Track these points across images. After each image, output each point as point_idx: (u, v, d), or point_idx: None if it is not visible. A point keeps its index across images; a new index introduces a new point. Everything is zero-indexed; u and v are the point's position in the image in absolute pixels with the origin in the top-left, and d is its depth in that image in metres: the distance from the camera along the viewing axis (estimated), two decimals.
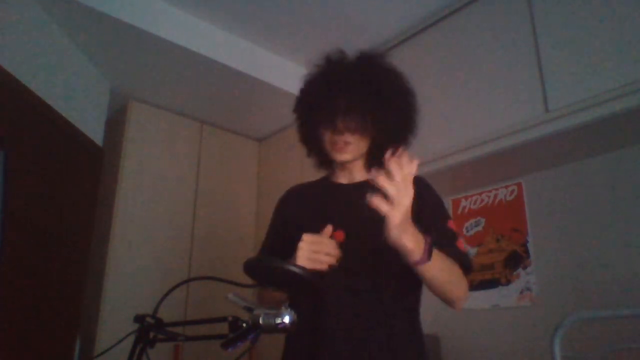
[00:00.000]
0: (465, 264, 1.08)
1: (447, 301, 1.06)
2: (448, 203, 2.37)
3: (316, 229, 1.11)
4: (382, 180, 0.84)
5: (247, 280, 0.85)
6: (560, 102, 1.70)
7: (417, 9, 2.24)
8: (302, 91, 1.21)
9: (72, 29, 2.17)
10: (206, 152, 2.97)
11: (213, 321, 0.78)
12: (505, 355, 1.99)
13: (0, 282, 1.58)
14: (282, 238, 1.23)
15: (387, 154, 0.87)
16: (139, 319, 0.82)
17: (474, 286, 2.16)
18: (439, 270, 0.98)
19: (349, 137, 1.11)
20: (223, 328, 0.78)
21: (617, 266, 1.78)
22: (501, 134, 1.84)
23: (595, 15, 1.67)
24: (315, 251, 0.99)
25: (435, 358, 2.12)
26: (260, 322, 0.76)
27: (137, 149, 2.65)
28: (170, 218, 2.70)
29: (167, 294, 0.85)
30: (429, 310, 1.22)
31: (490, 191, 2.25)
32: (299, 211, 1.24)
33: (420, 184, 1.06)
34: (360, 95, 1.10)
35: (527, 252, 2.05)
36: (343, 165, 1.19)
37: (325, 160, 1.22)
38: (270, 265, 0.85)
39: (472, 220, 2.28)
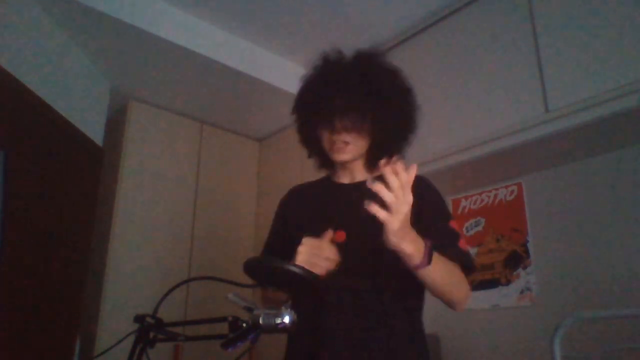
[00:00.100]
0: (467, 264, 1.08)
1: (448, 303, 1.06)
2: (448, 203, 2.37)
3: (317, 230, 1.11)
4: (379, 188, 0.84)
5: (247, 280, 0.85)
6: (560, 102, 1.70)
7: (417, 9, 2.24)
8: (300, 92, 1.21)
9: (72, 29, 2.17)
10: (206, 152, 2.97)
11: (213, 321, 0.78)
12: (505, 355, 1.99)
13: (0, 282, 1.58)
14: (283, 239, 1.23)
15: (382, 162, 0.87)
16: (139, 319, 0.82)
17: (474, 286, 2.16)
18: (439, 273, 0.97)
19: (347, 137, 1.11)
20: (223, 328, 0.78)
21: (617, 266, 1.78)
22: (501, 134, 1.84)
23: (595, 15, 1.67)
24: (315, 255, 0.99)
25: (435, 358, 2.12)
26: (260, 322, 0.76)
27: (137, 149, 2.65)
28: (170, 218, 2.70)
29: (167, 294, 0.85)
30: (429, 310, 1.22)
31: (490, 191, 2.25)
32: (300, 212, 1.24)
33: (421, 184, 1.06)
34: (357, 94, 1.10)
35: (527, 252, 2.05)
36: (344, 165, 1.19)
37: (327, 161, 1.22)
38: (270, 265, 0.85)
39: (472, 220, 2.28)
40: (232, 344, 0.76)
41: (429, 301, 1.14)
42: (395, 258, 0.98)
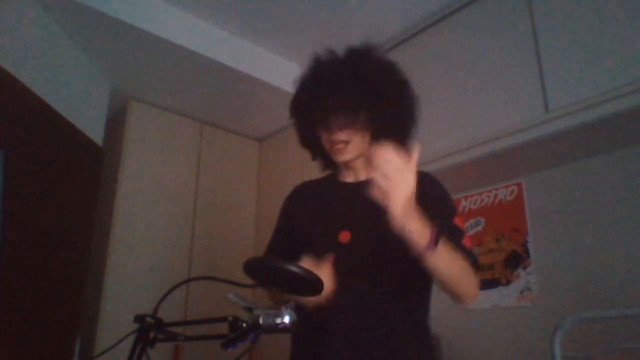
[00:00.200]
0: (471, 262, 1.06)
1: (456, 296, 1.03)
2: None
3: (321, 230, 1.11)
4: (374, 174, 0.86)
5: (247, 280, 0.85)
6: (560, 102, 1.70)
7: (417, 9, 2.24)
8: (295, 95, 1.20)
9: (72, 29, 2.17)
10: (206, 152, 2.97)
11: (213, 321, 0.78)
12: (505, 355, 1.99)
13: (0, 282, 1.58)
14: (288, 238, 1.23)
15: (373, 150, 0.89)
16: (139, 319, 0.82)
17: None
18: (446, 261, 0.96)
19: (344, 136, 1.10)
20: (223, 328, 0.78)
21: (617, 266, 1.78)
22: (501, 134, 1.84)
23: (595, 15, 1.67)
24: None
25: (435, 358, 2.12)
26: (260, 322, 0.76)
27: (137, 149, 2.65)
28: (170, 218, 2.70)
29: (167, 294, 0.85)
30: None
31: (490, 191, 2.25)
32: (304, 211, 1.23)
33: (425, 180, 1.05)
34: (350, 91, 1.09)
35: (527, 252, 2.05)
36: (347, 164, 1.18)
37: (330, 162, 1.21)
38: (270, 265, 0.85)
39: (472, 220, 2.28)
40: (232, 344, 0.77)
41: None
42: (399, 257, 0.98)
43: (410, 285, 1.09)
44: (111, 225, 2.46)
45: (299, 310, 1.04)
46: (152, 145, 2.72)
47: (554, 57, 1.75)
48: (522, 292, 2.03)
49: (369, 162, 1.16)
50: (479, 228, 2.25)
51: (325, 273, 0.99)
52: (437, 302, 1.15)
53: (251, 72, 2.53)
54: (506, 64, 1.90)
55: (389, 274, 1.07)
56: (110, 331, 2.30)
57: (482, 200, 2.27)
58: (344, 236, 1.09)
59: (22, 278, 1.78)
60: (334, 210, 1.17)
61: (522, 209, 2.11)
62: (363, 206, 1.12)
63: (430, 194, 1.07)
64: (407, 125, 1.15)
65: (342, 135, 1.10)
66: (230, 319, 0.77)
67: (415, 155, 0.89)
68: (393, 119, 1.12)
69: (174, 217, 2.72)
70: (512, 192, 2.17)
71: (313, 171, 1.32)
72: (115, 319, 2.33)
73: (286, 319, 0.76)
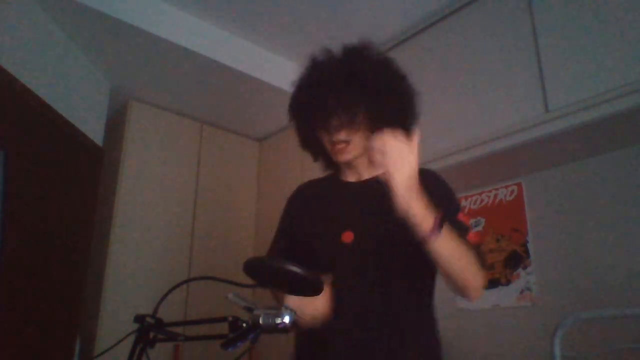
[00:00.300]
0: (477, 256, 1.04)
1: (461, 287, 1.01)
2: None
3: (324, 231, 1.11)
4: (381, 144, 0.89)
5: (247, 280, 0.85)
6: (560, 102, 1.70)
7: (417, 9, 2.24)
8: (292, 97, 1.20)
9: (72, 29, 2.17)
10: (206, 152, 2.97)
11: (213, 321, 0.78)
12: (505, 355, 1.99)
13: (0, 282, 1.58)
14: (291, 238, 1.23)
15: (372, 139, 0.92)
16: (139, 319, 0.82)
17: None
18: (450, 248, 0.94)
19: (344, 135, 1.10)
20: (223, 328, 0.78)
21: (617, 266, 1.78)
22: (501, 134, 1.84)
23: (595, 15, 1.67)
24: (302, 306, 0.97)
25: None
26: (260, 322, 0.76)
27: (137, 149, 2.65)
28: (170, 218, 2.70)
29: (167, 294, 0.85)
30: None
31: (490, 191, 2.25)
32: (307, 212, 1.23)
33: (428, 176, 1.04)
34: (349, 91, 1.08)
35: (527, 252, 2.05)
36: (349, 164, 1.17)
37: (332, 162, 1.21)
38: (270, 265, 0.85)
39: (472, 220, 2.28)
40: (232, 344, 0.76)
41: None
42: (402, 257, 0.97)
43: (414, 285, 1.09)
44: (111, 225, 2.46)
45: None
46: (152, 145, 2.72)
47: (554, 57, 1.75)
48: (522, 292, 2.03)
49: (370, 160, 1.17)
50: (479, 228, 2.25)
51: (324, 295, 0.98)
52: (438, 301, 1.15)
53: (251, 72, 2.53)
54: (506, 64, 1.90)
55: (392, 274, 1.07)
56: (110, 331, 2.30)
57: (482, 200, 2.27)
58: (347, 237, 1.08)
59: (22, 278, 1.78)
60: (336, 211, 1.16)
61: (522, 209, 2.11)
62: (366, 206, 1.12)
63: (434, 191, 1.05)
64: (408, 120, 1.14)
65: (342, 135, 1.10)
66: (230, 319, 0.77)
67: (416, 138, 0.91)
68: (393, 116, 1.11)
69: (174, 217, 2.72)
70: (512, 192, 2.17)
71: (313, 171, 1.32)
72: (115, 319, 2.33)
73: (286, 319, 0.76)
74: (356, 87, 1.08)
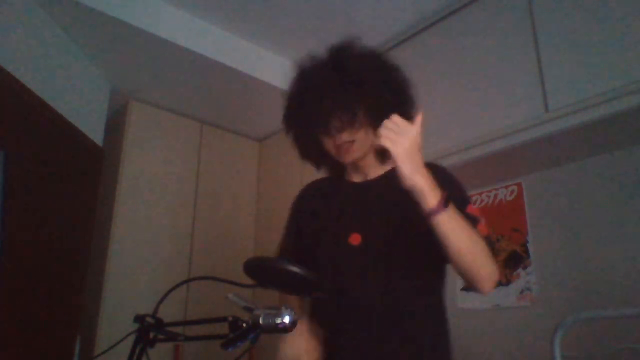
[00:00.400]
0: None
1: (473, 279, 0.98)
2: None
3: (331, 233, 1.11)
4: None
5: (247, 280, 0.85)
6: (560, 102, 1.70)
7: (417, 9, 2.23)
8: (287, 109, 1.18)
9: (72, 29, 2.17)
10: (206, 152, 2.96)
11: (213, 321, 0.78)
12: (505, 355, 1.99)
13: (0, 282, 1.58)
14: (298, 240, 1.22)
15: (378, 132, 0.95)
16: (139, 319, 0.82)
17: None
18: (458, 230, 0.93)
19: (347, 136, 1.09)
20: (223, 328, 0.78)
21: (617, 266, 1.78)
22: (501, 134, 1.84)
23: (595, 15, 1.67)
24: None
25: None
26: (260, 322, 0.76)
27: (137, 149, 2.65)
28: (170, 218, 2.70)
29: (167, 294, 0.85)
30: None
31: (490, 191, 2.25)
32: (313, 213, 1.22)
33: (436, 170, 1.04)
34: (341, 91, 1.07)
35: (527, 252, 2.05)
36: (354, 164, 1.16)
37: (336, 166, 1.20)
38: (270, 265, 0.85)
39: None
40: (232, 344, 0.76)
41: None
42: (411, 259, 0.97)
43: (422, 286, 1.08)
44: (111, 225, 2.46)
45: (316, 311, 1.05)
46: (152, 145, 2.72)
47: (554, 57, 1.75)
48: (522, 292, 2.03)
49: (377, 158, 1.16)
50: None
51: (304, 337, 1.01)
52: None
53: (251, 72, 2.53)
54: (506, 64, 1.90)
55: (400, 276, 1.06)
56: (110, 331, 2.30)
57: (482, 200, 2.27)
58: (355, 238, 1.08)
59: (22, 278, 1.78)
60: (343, 212, 1.15)
61: (522, 209, 2.11)
62: (372, 207, 1.12)
63: (442, 183, 1.04)
64: (406, 109, 1.12)
65: (345, 136, 1.08)
66: (230, 319, 0.77)
67: (419, 119, 0.94)
68: (391, 106, 1.09)
69: (174, 217, 2.72)
70: (512, 192, 2.17)
71: (313, 171, 1.32)
72: (115, 319, 2.32)
73: (286, 319, 0.76)
74: (350, 85, 1.07)
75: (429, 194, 0.90)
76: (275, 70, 2.61)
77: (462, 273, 0.99)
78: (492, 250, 1.04)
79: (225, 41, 2.47)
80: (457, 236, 0.93)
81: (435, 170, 1.00)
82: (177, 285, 0.87)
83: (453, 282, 2.00)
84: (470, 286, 1.01)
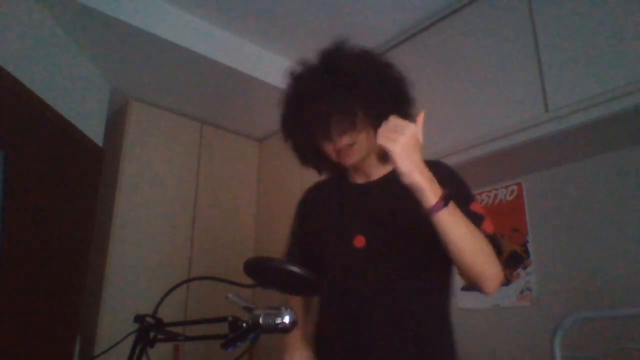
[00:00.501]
0: (493, 245, 1.02)
1: (477, 280, 0.97)
2: None
3: (336, 235, 1.12)
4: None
5: (247, 280, 0.85)
6: (560, 102, 1.70)
7: (417, 9, 2.24)
8: (284, 117, 1.17)
9: (72, 29, 2.17)
10: (206, 152, 2.97)
11: (213, 321, 0.78)
12: (505, 355, 1.98)
13: (0, 282, 1.58)
14: (304, 243, 1.23)
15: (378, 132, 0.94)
16: (139, 319, 0.82)
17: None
18: (460, 228, 0.92)
19: (348, 139, 1.08)
20: (223, 328, 0.78)
21: (617, 266, 1.78)
22: (501, 134, 1.84)
23: (595, 15, 1.67)
24: None
25: None
26: (260, 322, 0.76)
27: (137, 149, 2.65)
28: (170, 218, 2.70)
29: (167, 294, 0.85)
30: None
31: (490, 191, 2.25)
32: (317, 215, 1.22)
33: (438, 168, 1.03)
34: (337, 93, 1.05)
35: (527, 252, 2.05)
36: (356, 166, 1.16)
37: (339, 168, 1.19)
38: (270, 265, 0.85)
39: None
40: (232, 344, 0.76)
41: None
42: (415, 260, 0.96)
43: (427, 289, 1.07)
44: (111, 225, 2.46)
45: (325, 312, 1.04)
46: (152, 145, 2.72)
47: (554, 57, 1.75)
48: (522, 292, 2.03)
49: (379, 159, 1.14)
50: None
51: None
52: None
53: (251, 72, 2.53)
54: (506, 64, 1.90)
55: (404, 278, 1.06)
56: (110, 331, 2.30)
57: (482, 200, 2.27)
58: (359, 241, 1.08)
59: (22, 278, 1.78)
60: (347, 214, 1.15)
61: (522, 209, 2.11)
62: (376, 208, 1.12)
63: (445, 181, 1.03)
64: (404, 106, 1.11)
65: (345, 140, 1.07)
66: (230, 319, 0.77)
67: (421, 118, 0.94)
68: (387, 105, 1.08)
69: (174, 217, 2.72)
70: (512, 192, 2.17)
71: (313, 172, 1.32)
72: (115, 319, 2.33)
73: (286, 319, 0.76)
74: (344, 88, 1.06)
75: (429, 192, 0.89)
76: (275, 70, 2.61)
77: (465, 272, 0.98)
78: (500, 248, 1.03)
79: (225, 41, 2.47)
80: (458, 234, 0.92)
81: (438, 168, 0.99)
82: (177, 285, 0.87)
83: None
84: (473, 286, 1.00)
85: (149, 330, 0.81)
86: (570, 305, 1.83)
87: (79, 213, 2.22)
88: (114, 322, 2.32)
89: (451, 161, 1.97)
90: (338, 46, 1.12)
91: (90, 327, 2.32)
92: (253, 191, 3.14)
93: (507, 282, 2.08)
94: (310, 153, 1.17)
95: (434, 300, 1.08)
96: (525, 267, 2.04)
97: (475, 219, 1.01)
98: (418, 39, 2.29)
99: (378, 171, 1.16)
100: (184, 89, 2.67)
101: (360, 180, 1.19)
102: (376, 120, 1.06)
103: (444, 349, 1.08)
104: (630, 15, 1.59)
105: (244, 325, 0.76)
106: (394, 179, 0.95)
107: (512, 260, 2.09)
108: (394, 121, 0.93)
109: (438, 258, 0.98)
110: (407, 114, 1.11)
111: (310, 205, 1.27)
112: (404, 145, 0.89)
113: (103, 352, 0.90)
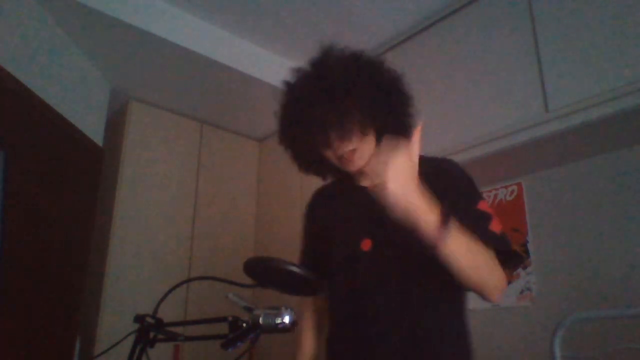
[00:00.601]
0: (500, 247, 1.01)
1: (480, 292, 0.98)
2: None
3: (343, 239, 1.12)
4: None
5: (247, 280, 0.85)
6: (560, 102, 1.70)
7: (417, 9, 2.24)
8: (282, 126, 1.16)
9: (72, 29, 2.17)
10: (206, 152, 2.97)
11: (213, 321, 0.78)
12: (505, 355, 1.99)
13: (0, 282, 1.58)
14: (315, 247, 1.24)
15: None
16: (139, 319, 0.82)
17: None
18: (465, 251, 0.91)
19: (350, 145, 1.06)
20: (223, 328, 0.78)
21: (617, 266, 1.78)
22: (501, 134, 1.84)
23: (595, 15, 1.67)
24: None
25: None
26: (260, 322, 0.76)
27: (137, 149, 2.65)
28: (170, 218, 2.70)
29: (167, 294, 0.85)
30: None
31: (490, 191, 2.25)
32: (325, 219, 1.22)
33: (446, 167, 1.00)
34: (335, 99, 1.04)
35: (527, 252, 2.05)
36: (360, 171, 1.14)
37: (342, 173, 1.18)
38: (270, 265, 0.85)
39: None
40: (232, 344, 0.77)
41: None
42: (423, 263, 0.96)
43: (436, 292, 1.06)
44: (111, 225, 2.46)
45: (334, 315, 1.05)
46: (152, 145, 2.72)
47: (554, 57, 1.75)
48: (522, 292, 2.03)
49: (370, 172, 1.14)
50: None
51: None
52: None
53: (251, 72, 2.53)
54: (506, 64, 1.90)
55: (412, 281, 1.05)
56: (110, 331, 2.30)
57: None
58: (366, 244, 1.08)
59: (22, 278, 1.78)
60: (354, 218, 1.14)
61: (522, 209, 2.11)
62: (381, 211, 1.11)
63: (446, 181, 1.00)
64: (401, 106, 1.10)
65: (347, 146, 1.06)
66: (230, 319, 0.77)
67: (418, 132, 0.90)
68: (383, 105, 1.07)
69: (174, 217, 2.72)
70: (512, 192, 2.17)
71: None
72: (115, 319, 2.33)
73: (286, 319, 0.76)
74: (339, 93, 1.04)
75: (427, 227, 0.87)
76: (275, 70, 2.61)
77: (467, 286, 0.98)
78: (508, 246, 1.03)
79: (225, 41, 2.47)
80: (464, 260, 0.91)
81: (445, 168, 0.98)
82: (177, 285, 0.87)
83: None
84: (477, 295, 1.01)
85: (149, 330, 0.81)
86: (570, 305, 1.83)
87: (79, 213, 2.22)
88: (114, 322, 2.32)
89: None
90: (327, 52, 1.10)
91: (90, 327, 2.32)
92: (253, 191, 3.14)
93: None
94: (312, 161, 1.17)
95: (442, 302, 1.08)
96: (525, 267, 2.04)
97: (483, 219, 1.01)
98: (418, 39, 2.29)
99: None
100: (184, 89, 2.67)
101: (365, 182, 1.18)
102: (374, 122, 1.06)
103: (455, 350, 1.06)
104: (630, 15, 1.59)
105: (244, 325, 0.76)
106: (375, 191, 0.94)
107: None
108: (394, 155, 0.88)
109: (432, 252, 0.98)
110: (405, 114, 1.11)
111: (317, 210, 1.28)
112: (400, 186, 0.85)
113: (103, 352, 0.90)
